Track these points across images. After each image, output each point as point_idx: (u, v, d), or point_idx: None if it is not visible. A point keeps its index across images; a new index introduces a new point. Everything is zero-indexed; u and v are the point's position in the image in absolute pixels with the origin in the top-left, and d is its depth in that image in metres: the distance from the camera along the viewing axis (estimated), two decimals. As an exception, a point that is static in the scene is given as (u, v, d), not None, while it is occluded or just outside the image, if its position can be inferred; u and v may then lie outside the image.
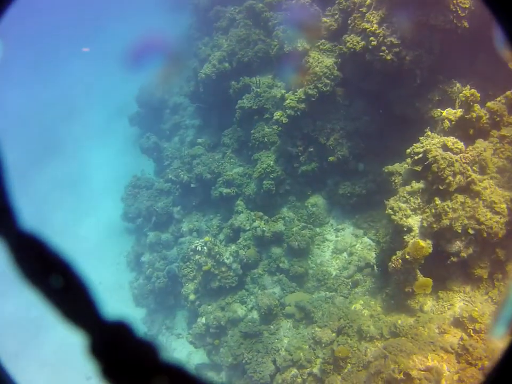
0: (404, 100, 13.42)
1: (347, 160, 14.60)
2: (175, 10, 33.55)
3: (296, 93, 14.84)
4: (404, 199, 10.74)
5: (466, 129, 11.00)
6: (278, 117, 15.10)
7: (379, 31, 12.59)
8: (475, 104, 10.66)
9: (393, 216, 10.64)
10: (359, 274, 13.67)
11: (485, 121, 10.78)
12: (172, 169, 20.29)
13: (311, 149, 15.03)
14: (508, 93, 11.06)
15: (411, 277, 10.38)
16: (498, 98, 11.13)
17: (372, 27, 12.74)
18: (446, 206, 9.93)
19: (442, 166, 9.97)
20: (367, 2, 13.35)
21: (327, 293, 13.82)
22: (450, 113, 11.28)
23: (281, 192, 15.67)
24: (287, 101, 14.81)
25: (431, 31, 12.31)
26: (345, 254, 14.41)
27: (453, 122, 11.18)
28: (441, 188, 10.05)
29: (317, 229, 15.16)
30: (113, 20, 42.57)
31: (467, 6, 11.89)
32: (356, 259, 13.90)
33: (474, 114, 10.72)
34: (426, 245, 9.94)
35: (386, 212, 10.88)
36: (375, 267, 13.16)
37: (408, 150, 11.13)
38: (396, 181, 11.77)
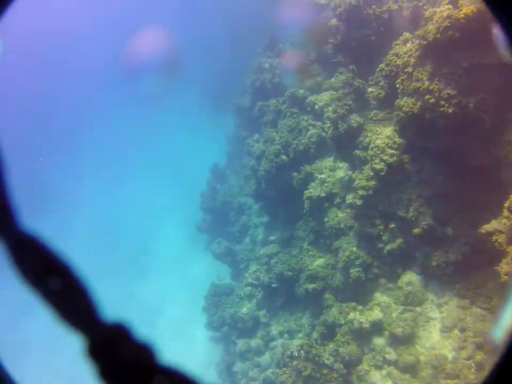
0: (477, 149, 12.38)
1: (433, 228, 13.41)
2: (218, 113, 34.44)
3: (363, 171, 14.11)
4: (520, 261, 9.49)
5: None
6: (351, 199, 14.31)
7: (432, 87, 11.84)
8: None
9: None
10: (481, 353, 11.93)
11: None
12: (251, 273, 19.56)
13: (392, 225, 13.97)
14: None
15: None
16: None
17: (424, 84, 12.02)
18: None
19: None
20: (411, 62, 12.77)
21: (449, 381, 12.14)
22: None
23: (370, 277, 14.48)
24: (356, 181, 14.05)
25: (486, 71, 11.53)
26: (456, 331, 12.71)
27: None
28: None
29: (417, 309, 13.65)
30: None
31: None
32: (471, 335, 12.26)
33: None
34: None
35: (502, 279, 9.59)
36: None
37: (507, 203, 10.05)
38: (500, 240, 10.50)
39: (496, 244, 10.44)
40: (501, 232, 10.38)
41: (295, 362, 14.58)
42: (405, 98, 12.91)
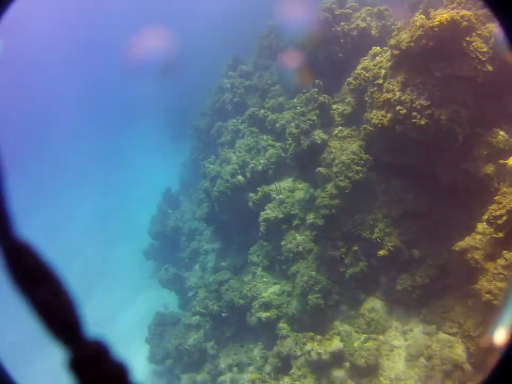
0: (449, 165, 11.62)
1: (399, 250, 12.37)
2: (176, 137, 33.62)
3: (326, 189, 13.03)
4: (501, 276, 8.50)
5: None
6: (312, 219, 13.20)
7: (404, 97, 11.04)
8: None
9: (495, 302, 8.33)
10: (450, 382, 10.83)
11: None
12: (199, 300, 17.96)
13: (356, 248, 12.87)
14: None
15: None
16: None
17: (395, 95, 11.23)
18: None
19: None
20: (381, 73, 12.01)
21: (417, 415, 10.99)
22: None
23: (330, 304, 13.24)
24: (318, 200, 12.98)
25: (458, 82, 10.87)
26: (423, 359, 11.62)
27: None
28: None
29: (381, 337, 12.52)
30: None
31: (485, 50, 10.99)
32: (439, 362, 11.15)
33: None
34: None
35: (484, 298, 8.58)
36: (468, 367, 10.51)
37: (485, 216, 9.44)
38: (476, 256, 9.59)
39: (472, 261, 9.55)
40: (477, 248, 9.49)
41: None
42: (374, 111, 12.10)
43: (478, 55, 10.97)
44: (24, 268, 1.06)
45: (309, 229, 13.86)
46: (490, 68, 10.97)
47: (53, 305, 1.05)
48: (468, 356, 10.57)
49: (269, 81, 20.11)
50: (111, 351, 1.07)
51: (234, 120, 20.28)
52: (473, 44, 11.04)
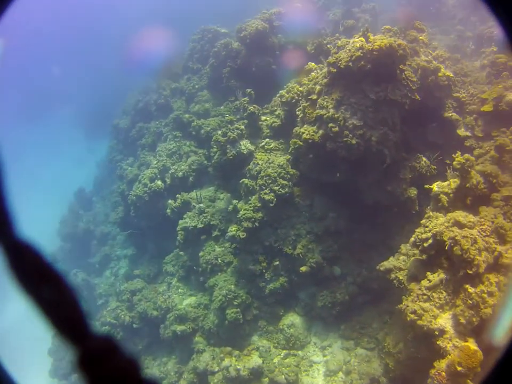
0: (374, 185, 11.75)
1: (321, 266, 12.25)
2: (94, 136, 32.12)
3: (249, 202, 12.67)
4: (425, 297, 8.51)
5: (464, 199, 9.57)
6: (234, 232, 12.75)
7: (337, 115, 10.98)
8: (472, 170, 9.34)
9: (419, 322, 8.34)
10: None
11: (482, 186, 9.53)
12: (110, 310, 16.79)
13: (277, 262, 12.60)
14: (492, 152, 10.82)
15: (464, 393, 7.78)
16: (482, 159, 10.75)
17: (329, 112, 11.13)
18: (481, 292, 7.87)
19: (466, 247, 8.11)
20: (316, 89, 11.87)
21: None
22: (443, 186, 9.86)
23: (249, 319, 12.85)
24: (242, 212, 12.58)
25: (390, 106, 11.04)
26: (341, 374, 11.68)
27: (451, 195, 9.67)
28: (471, 271, 8.00)
29: (299, 352, 12.35)
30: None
31: (415, 80, 11.54)
32: (357, 377, 11.29)
33: (474, 181, 9.37)
34: (476, 348, 7.60)
35: (408, 318, 8.60)
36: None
37: (412, 238, 9.58)
38: (400, 277, 9.68)
39: (395, 281, 9.60)
40: (400, 269, 9.57)
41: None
42: (305, 126, 11.93)
43: (409, 83, 11.31)
44: (27, 267, 1.05)
45: (229, 241, 13.41)
46: (418, 97, 11.35)
47: (58, 303, 1.04)
48: (385, 371, 10.71)
49: (196, 86, 19.54)
50: (120, 346, 1.02)
51: (157, 122, 19.53)
52: (405, 73, 11.26)
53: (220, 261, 13.50)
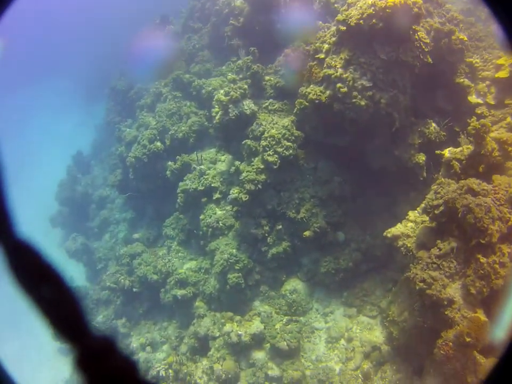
0: (381, 150, 11.37)
1: (325, 231, 11.95)
2: (93, 99, 31.45)
3: (252, 164, 12.28)
4: (434, 265, 8.24)
5: (477, 167, 9.16)
6: (236, 194, 12.41)
7: (346, 75, 10.50)
8: (487, 136, 8.88)
9: (428, 291, 8.10)
10: (368, 362, 10.89)
11: (496, 154, 9.05)
12: (109, 274, 16.57)
13: (279, 226, 12.31)
14: (508, 119, 10.43)
15: (471, 364, 7.58)
16: (496, 127, 10.26)
17: (337, 72, 10.64)
18: (493, 263, 7.67)
19: (479, 215, 7.81)
20: (324, 48, 11.34)
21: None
22: (456, 153, 9.47)
23: (251, 284, 12.63)
24: (244, 174, 12.22)
25: (401, 68, 10.54)
26: (343, 342, 11.56)
27: (463, 161, 9.29)
28: (483, 241, 7.71)
29: (301, 319, 12.20)
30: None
31: (428, 41, 10.89)
32: (358, 344, 11.18)
33: (489, 148, 8.89)
34: (486, 319, 7.42)
35: (417, 286, 8.35)
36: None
37: (422, 205, 9.34)
38: (408, 245, 9.42)
39: (402, 248, 9.32)
40: (408, 236, 9.26)
41: (163, 384, 12.28)
42: (311, 86, 11.42)
43: (421, 44, 10.75)
44: (26, 267, 1.04)
45: (230, 204, 13.09)
46: (430, 60, 10.82)
47: (57, 303, 1.04)
48: (388, 339, 10.62)
49: (197, 45, 18.92)
50: (119, 347, 1.02)
51: (156, 83, 18.95)
52: (418, 33, 10.69)
53: (221, 225, 13.20)
